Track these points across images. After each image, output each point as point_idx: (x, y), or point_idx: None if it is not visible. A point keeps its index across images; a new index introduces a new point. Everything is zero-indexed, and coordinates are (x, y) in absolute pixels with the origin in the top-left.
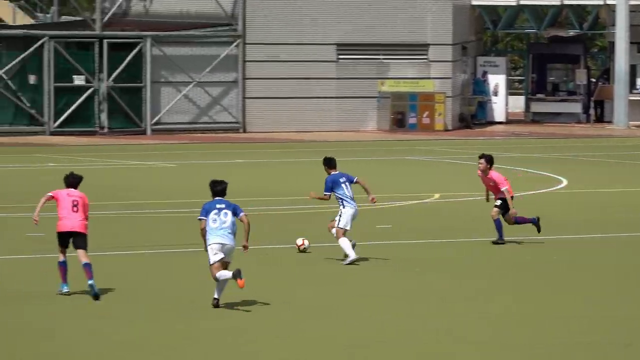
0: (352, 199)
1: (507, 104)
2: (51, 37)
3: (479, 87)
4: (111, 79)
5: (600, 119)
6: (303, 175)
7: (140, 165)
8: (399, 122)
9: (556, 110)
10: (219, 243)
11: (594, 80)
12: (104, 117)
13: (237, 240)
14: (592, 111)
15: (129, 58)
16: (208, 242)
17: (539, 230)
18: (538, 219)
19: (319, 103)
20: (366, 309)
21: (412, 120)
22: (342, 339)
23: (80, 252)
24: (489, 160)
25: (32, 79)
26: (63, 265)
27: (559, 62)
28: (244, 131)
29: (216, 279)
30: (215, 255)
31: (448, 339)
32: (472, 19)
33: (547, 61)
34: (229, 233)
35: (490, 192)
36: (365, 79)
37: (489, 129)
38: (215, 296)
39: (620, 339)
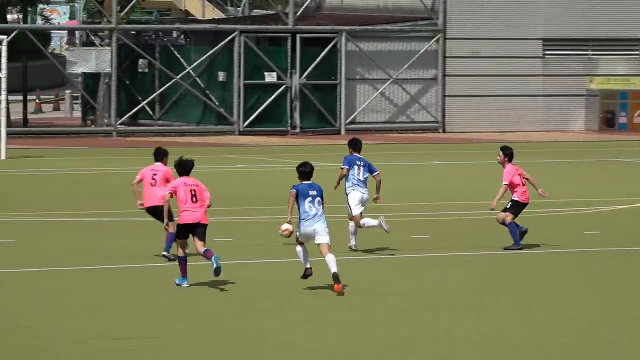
0: (362, 182)
1: None
2: (242, 31)
3: None
4: (304, 75)
5: None
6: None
7: (333, 167)
8: (608, 122)
9: None
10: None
11: None
12: (296, 116)
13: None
14: None
15: (322, 54)
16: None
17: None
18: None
19: (523, 101)
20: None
21: (622, 119)
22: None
23: (200, 243)
24: (506, 153)
25: (221, 76)
26: (184, 261)
27: None
28: (443, 131)
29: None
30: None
31: None
32: None
33: None
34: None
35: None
36: (572, 75)
37: None
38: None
39: None
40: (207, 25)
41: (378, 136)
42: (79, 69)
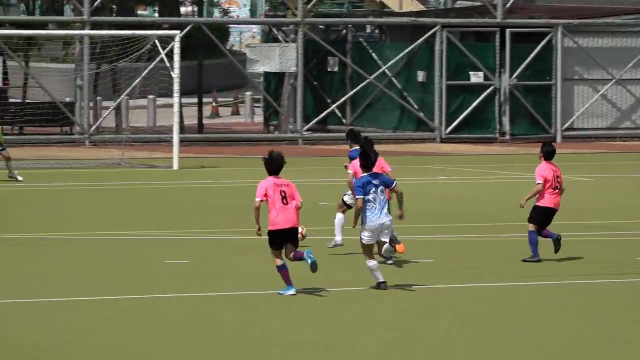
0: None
1: None
2: (444, 25)
3: None
4: (514, 75)
5: None
6: None
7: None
8: None
9: None
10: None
11: None
12: (505, 121)
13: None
14: None
15: (536, 51)
16: None
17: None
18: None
19: None
20: None
21: None
22: None
23: (291, 247)
24: (544, 150)
25: (420, 76)
26: (285, 269)
27: None
28: None
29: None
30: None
31: None
32: None
33: None
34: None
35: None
36: None
37: None
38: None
39: None
40: (405, 19)
41: (599, 144)
42: (260, 68)
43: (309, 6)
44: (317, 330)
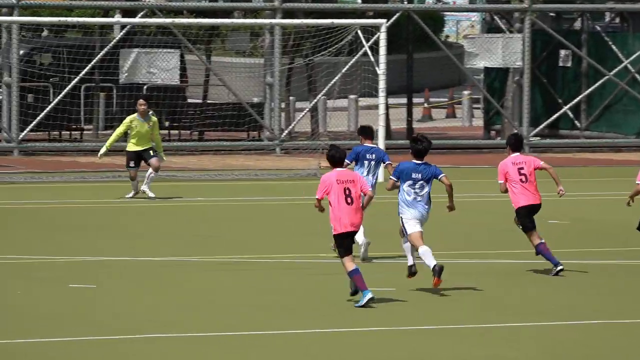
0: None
1: None
2: None
3: None
4: None
5: None
6: None
7: None
8: None
9: None
10: None
11: None
12: None
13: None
14: None
15: None
16: None
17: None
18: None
19: None
20: None
21: None
22: None
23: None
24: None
25: None
26: (358, 272)
27: None
28: None
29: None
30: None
31: None
32: None
33: None
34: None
35: None
36: None
37: None
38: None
39: None
40: None
41: None
42: (480, 63)
43: None
44: None
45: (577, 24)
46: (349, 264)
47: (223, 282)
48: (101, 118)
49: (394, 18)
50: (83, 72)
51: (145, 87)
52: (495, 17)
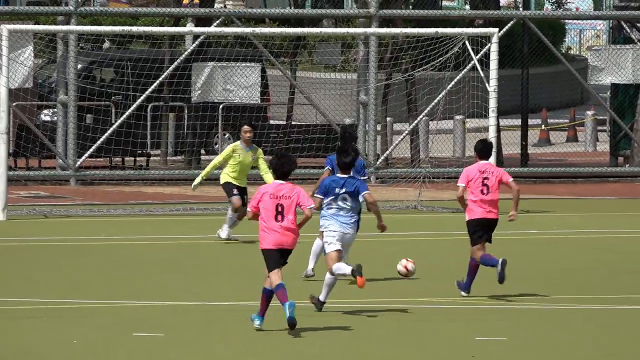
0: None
1: None
2: None
3: None
4: None
5: None
6: None
7: None
8: None
9: None
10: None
11: None
12: None
13: None
14: None
15: None
16: None
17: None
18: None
19: None
20: None
21: None
22: None
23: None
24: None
25: None
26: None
27: None
28: None
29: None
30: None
31: None
32: None
33: None
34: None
35: None
36: None
37: None
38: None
39: None
40: None
41: None
42: (607, 79)
43: None
44: None
45: None
46: (275, 278)
47: (304, 328)
48: (170, 142)
49: (507, 27)
50: (150, 90)
51: (221, 106)
52: (625, 26)
